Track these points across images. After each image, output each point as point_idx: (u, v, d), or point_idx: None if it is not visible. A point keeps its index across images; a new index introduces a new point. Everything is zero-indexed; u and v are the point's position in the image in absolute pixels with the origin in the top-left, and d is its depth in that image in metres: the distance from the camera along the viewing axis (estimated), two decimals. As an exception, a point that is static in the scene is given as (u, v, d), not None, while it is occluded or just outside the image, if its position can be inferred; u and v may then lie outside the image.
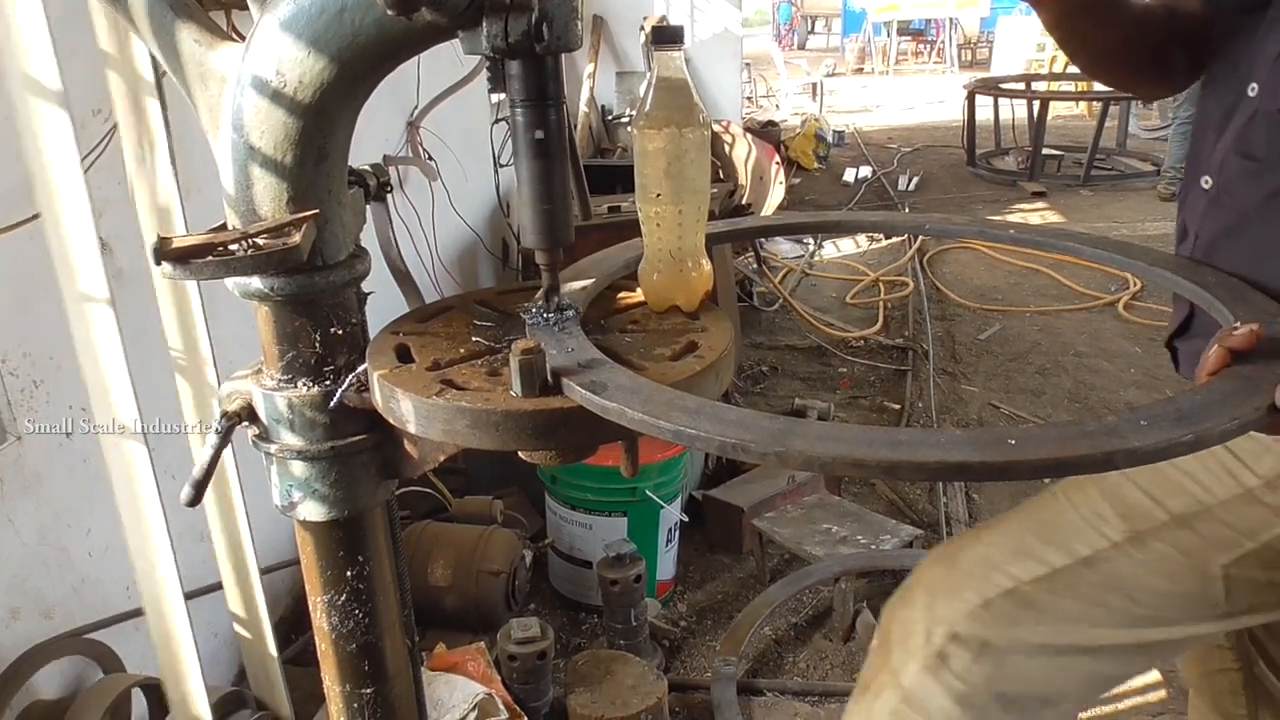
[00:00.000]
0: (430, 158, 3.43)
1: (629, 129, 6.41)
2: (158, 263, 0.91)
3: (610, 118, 6.24)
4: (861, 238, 6.45)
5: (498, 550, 2.41)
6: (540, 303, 1.01)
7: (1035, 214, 7.12)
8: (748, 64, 10.06)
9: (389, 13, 0.80)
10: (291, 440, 1.07)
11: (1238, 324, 0.86)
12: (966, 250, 6.08)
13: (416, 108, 3.35)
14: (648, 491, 2.58)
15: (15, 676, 1.48)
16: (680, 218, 1.05)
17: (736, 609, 2.70)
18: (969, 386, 4.22)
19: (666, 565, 2.79)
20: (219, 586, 1.45)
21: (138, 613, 1.66)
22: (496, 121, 4.06)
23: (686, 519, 2.83)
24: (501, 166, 4.19)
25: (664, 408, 0.81)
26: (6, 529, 1.56)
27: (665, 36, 1.02)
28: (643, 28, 6.64)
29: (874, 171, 8.60)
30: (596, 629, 2.62)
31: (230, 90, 0.95)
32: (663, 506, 2.63)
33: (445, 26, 0.88)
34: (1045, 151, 8.11)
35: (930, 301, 5.23)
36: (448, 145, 3.51)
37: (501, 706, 1.96)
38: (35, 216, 1.44)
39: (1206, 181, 1.14)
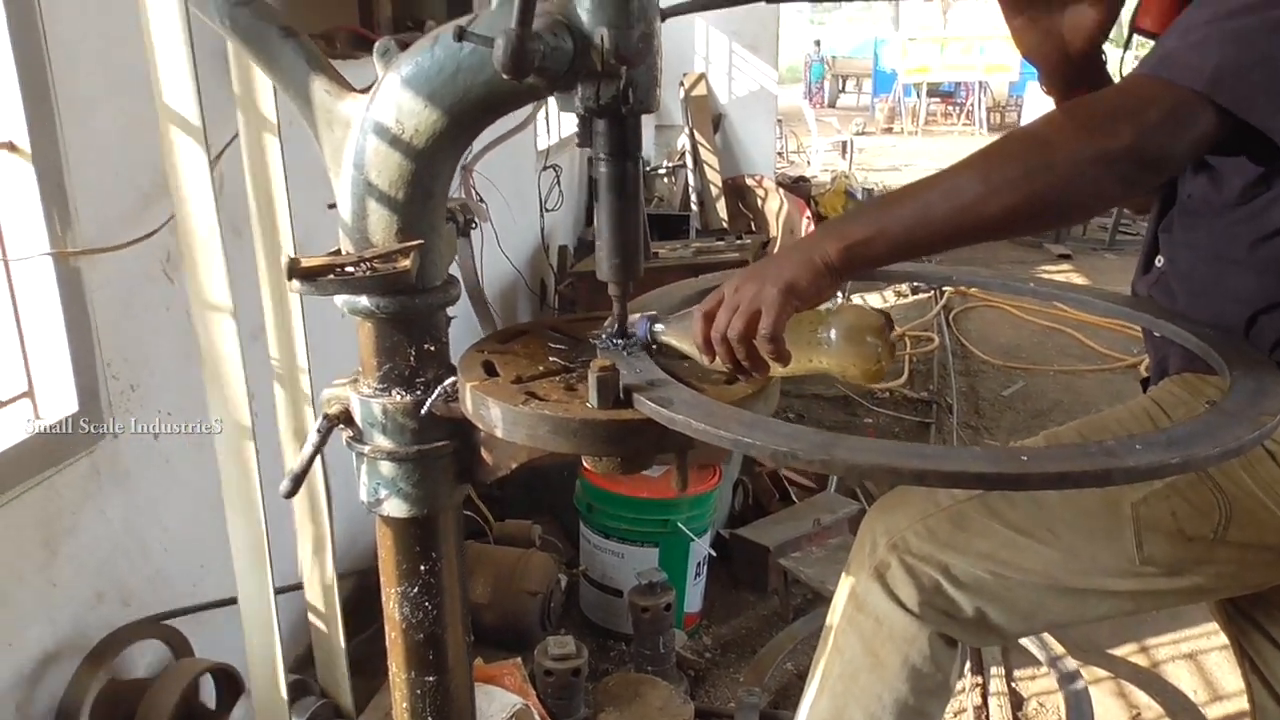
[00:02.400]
0: (481, 200, 3.61)
1: (665, 179, 6.62)
2: (290, 279, 1.06)
3: (649, 169, 6.43)
4: (889, 292, 6.58)
5: (536, 571, 2.53)
6: (611, 329, 1.15)
7: (1060, 275, 7.23)
8: (780, 120, 10.29)
9: (503, 76, 0.94)
10: (383, 442, 1.20)
11: None
12: (991, 308, 6.20)
13: (470, 153, 3.53)
14: (679, 524, 2.70)
15: (102, 654, 1.62)
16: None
17: (760, 644, 2.79)
18: (992, 441, 4.31)
19: (694, 598, 2.89)
20: (296, 587, 1.59)
21: (215, 604, 1.80)
22: (544, 169, 4.25)
23: (715, 554, 2.94)
24: (547, 211, 4.37)
25: (724, 420, 0.94)
26: (99, 519, 1.71)
27: None
28: (682, 83, 6.87)
29: (902, 229, 8.72)
30: (625, 656, 2.72)
31: (354, 134, 1.10)
32: (693, 539, 2.74)
33: (544, 88, 1.03)
34: (1072, 215, 8.22)
35: (955, 357, 5.34)
36: (498, 189, 3.69)
37: (537, 718, 2.07)
38: (148, 235, 1.60)
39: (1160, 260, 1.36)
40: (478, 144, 3.56)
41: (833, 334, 1.08)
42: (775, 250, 1.06)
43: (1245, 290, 1.22)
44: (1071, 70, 1.31)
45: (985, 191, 1.03)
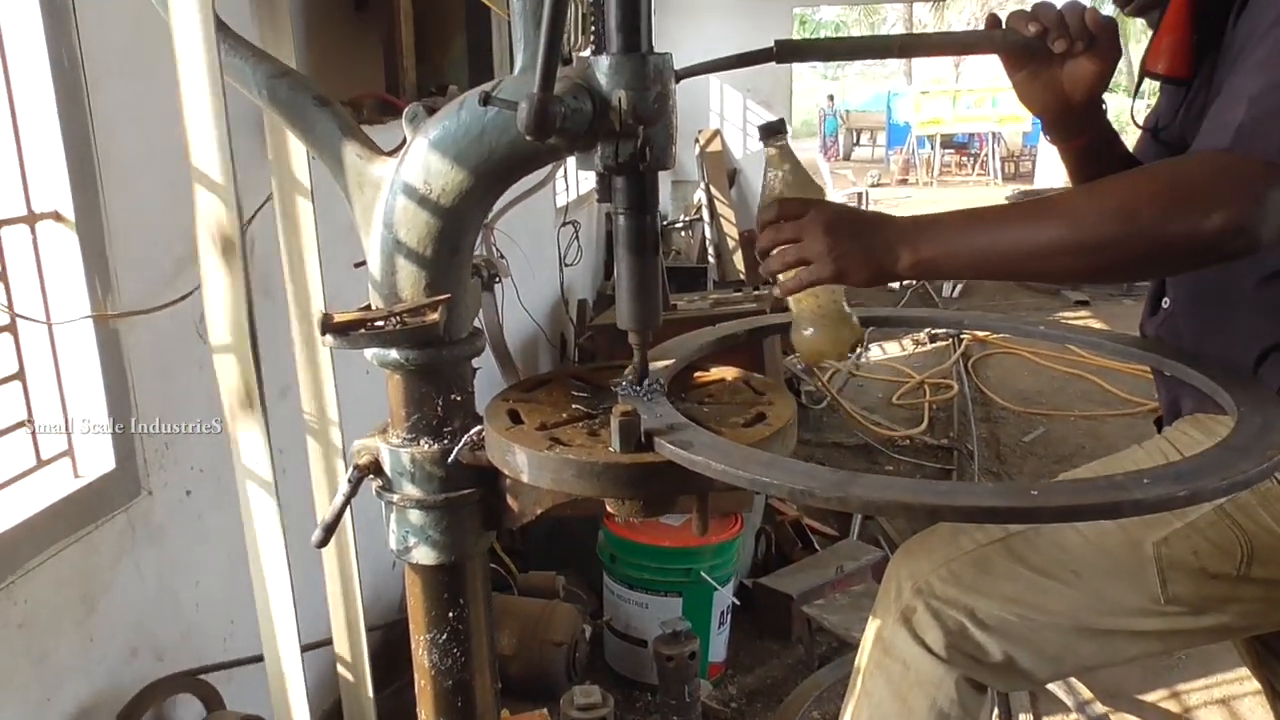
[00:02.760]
0: (501, 255, 3.68)
1: (682, 232, 6.71)
2: (323, 334, 1.11)
3: (665, 223, 6.52)
4: (907, 341, 6.60)
5: (561, 622, 2.54)
6: (631, 376, 1.19)
7: (1078, 321, 7.23)
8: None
9: (527, 138, 1.00)
10: (411, 491, 1.24)
11: None
12: (1010, 355, 6.21)
13: (491, 211, 3.61)
14: (702, 573, 2.71)
15: (136, 709, 1.65)
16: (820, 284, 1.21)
17: (786, 694, 2.78)
18: (1013, 487, 4.30)
19: (718, 648, 2.89)
20: (325, 643, 1.61)
21: (246, 660, 1.83)
22: (563, 225, 4.33)
23: (738, 603, 2.95)
24: (566, 266, 4.44)
25: (742, 461, 0.97)
26: (134, 575, 1.75)
27: (772, 129, 1.22)
28: (697, 139, 6.98)
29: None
30: (650, 706, 2.72)
31: (384, 194, 1.15)
32: (717, 588, 2.75)
33: (565, 147, 1.08)
34: (1089, 262, 8.23)
35: (975, 404, 5.35)
36: (518, 245, 3.76)
37: (564, 768, 2.08)
38: (184, 297, 1.66)
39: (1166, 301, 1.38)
40: (498, 202, 3.64)
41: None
42: (861, 211, 1.12)
43: (1252, 328, 1.25)
44: (1074, 120, 1.35)
45: (1067, 244, 1.06)
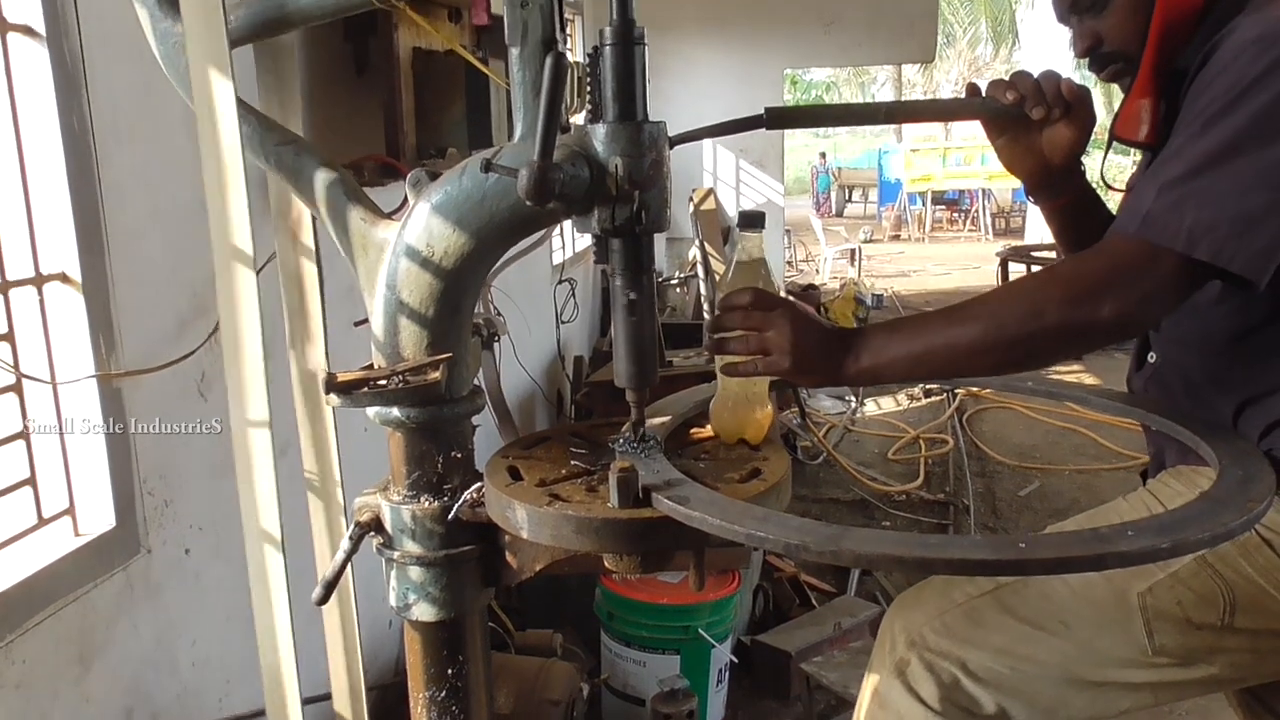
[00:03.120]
0: (499, 313, 3.72)
1: (677, 289, 6.76)
2: (327, 393, 1.13)
3: (662, 280, 6.58)
4: (902, 396, 6.63)
5: (558, 680, 2.52)
6: (628, 433, 1.21)
7: (1071, 375, 7.26)
8: (788, 230, 10.51)
9: (527, 203, 1.03)
10: (412, 548, 1.25)
11: None
12: (1004, 409, 6.23)
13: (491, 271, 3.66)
14: (700, 630, 2.70)
15: (134, 770, 1.64)
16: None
17: (784, 751, 2.77)
18: (1010, 541, 4.30)
19: (717, 706, 2.87)
20: (324, 697, 1.61)
21: (244, 717, 1.82)
22: (560, 282, 4.38)
23: (736, 660, 2.93)
24: (562, 323, 4.48)
25: (737, 516, 0.99)
26: (131, 634, 1.75)
27: (750, 221, 1.26)
28: (691, 198, 7.07)
29: (913, 333, 8.81)
30: (648, 766, 2.70)
31: (387, 256, 1.19)
32: (714, 646, 2.74)
33: (563, 211, 1.11)
34: (1081, 317, 8.28)
35: (970, 458, 5.36)
36: (515, 302, 3.80)
37: (561, 829, 2.06)
38: (186, 356, 1.69)
39: (1152, 356, 1.42)
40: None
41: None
42: (820, 320, 1.18)
43: (1232, 381, 1.28)
44: (1053, 181, 1.40)
45: (982, 344, 1.16)
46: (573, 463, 1.23)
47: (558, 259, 4.97)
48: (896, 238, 18.57)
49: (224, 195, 1.13)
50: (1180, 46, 1.27)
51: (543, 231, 3.68)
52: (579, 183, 1.06)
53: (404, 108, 2.32)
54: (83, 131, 1.56)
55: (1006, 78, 1.32)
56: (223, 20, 1.10)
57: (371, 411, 1.22)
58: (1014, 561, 0.88)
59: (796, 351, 1.17)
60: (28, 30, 1.54)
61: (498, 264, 3.79)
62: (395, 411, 1.21)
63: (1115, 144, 1.39)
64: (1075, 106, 1.30)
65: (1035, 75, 1.31)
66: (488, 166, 1.05)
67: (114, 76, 1.63)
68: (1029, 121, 1.31)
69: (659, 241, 6.83)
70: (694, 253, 7.14)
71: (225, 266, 1.14)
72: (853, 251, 12.08)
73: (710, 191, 7.12)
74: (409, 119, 2.34)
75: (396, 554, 1.26)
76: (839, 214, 22.03)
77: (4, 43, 1.53)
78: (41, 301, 1.60)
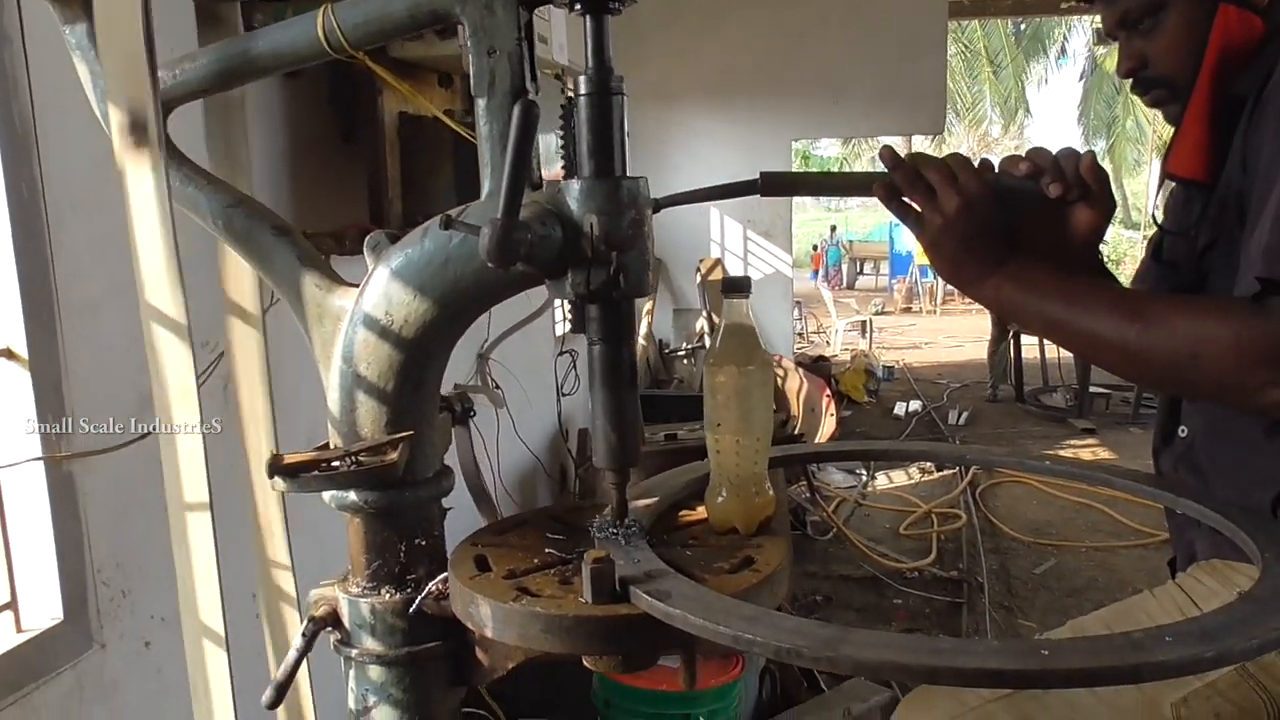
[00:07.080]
0: (497, 386, 3.62)
1: (684, 360, 6.68)
2: (271, 476, 1.03)
3: (668, 351, 6.50)
4: (913, 469, 6.48)
5: (549, 778, 2.37)
6: (608, 518, 1.10)
7: (1085, 450, 7.12)
8: (798, 302, 10.45)
9: (489, 265, 0.93)
10: (371, 645, 1.14)
11: None
12: (1018, 484, 6.07)
13: (486, 340, 3.57)
14: (702, 718, 2.56)
15: None
16: (739, 447, 1.14)
17: None
18: (1026, 621, 4.13)
19: (720, 800, 2.71)
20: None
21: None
22: (561, 354, 4.28)
23: (740, 751, 2.77)
24: (563, 396, 4.38)
25: (723, 615, 0.88)
26: (82, 736, 1.62)
27: (733, 286, 1.15)
28: (698, 269, 7.03)
29: (924, 405, 8.72)
30: None
31: (344, 326, 1.09)
32: (716, 736, 2.59)
33: (535, 275, 1.02)
34: (1093, 389, 8.19)
35: (983, 534, 5.20)
36: (514, 375, 3.71)
37: None
38: (143, 436, 1.59)
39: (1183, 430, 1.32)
40: (494, 331, 3.61)
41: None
42: (996, 231, 1.11)
43: (1271, 467, 1.17)
44: (1073, 265, 1.28)
45: (1128, 352, 1.10)
46: (547, 550, 1.12)
47: (559, 330, 4.89)
48: (908, 310, 18.55)
49: (155, 262, 1.05)
50: (1235, 74, 1.19)
51: (542, 300, 3.60)
52: (550, 243, 0.97)
53: (390, 174, 2.26)
54: (32, 196, 1.47)
55: (1019, 152, 1.21)
56: (146, 68, 1.01)
57: (326, 496, 1.11)
58: (1034, 673, 0.76)
59: (958, 226, 1.12)
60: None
61: (496, 334, 3.71)
62: (352, 496, 1.10)
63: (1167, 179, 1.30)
64: (1093, 188, 1.16)
65: (1053, 151, 1.19)
66: (449, 223, 0.96)
67: (70, 140, 1.53)
68: (1043, 201, 1.17)
69: (665, 310, 6.77)
70: (701, 323, 7.08)
71: (153, 340, 1.04)
72: (864, 323, 12.03)
73: (718, 262, 7.08)
74: (394, 186, 2.27)
75: (355, 651, 1.15)
76: (851, 286, 22.07)
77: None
78: (-17, 378, 1.50)
